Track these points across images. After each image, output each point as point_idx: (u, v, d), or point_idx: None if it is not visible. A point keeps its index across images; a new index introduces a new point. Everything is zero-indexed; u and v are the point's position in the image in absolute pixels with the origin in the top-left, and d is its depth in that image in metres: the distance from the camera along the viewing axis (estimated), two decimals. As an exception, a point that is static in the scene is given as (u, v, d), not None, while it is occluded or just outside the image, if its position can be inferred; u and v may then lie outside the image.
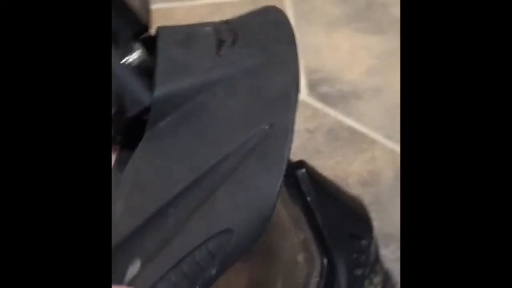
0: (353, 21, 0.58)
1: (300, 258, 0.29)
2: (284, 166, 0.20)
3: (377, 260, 0.32)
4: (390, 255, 0.40)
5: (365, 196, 0.43)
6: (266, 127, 0.21)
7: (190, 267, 0.20)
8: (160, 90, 0.21)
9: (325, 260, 0.28)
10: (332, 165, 0.45)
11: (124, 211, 0.21)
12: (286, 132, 0.21)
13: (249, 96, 0.22)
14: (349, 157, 0.46)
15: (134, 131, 0.23)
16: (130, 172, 0.22)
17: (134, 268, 0.21)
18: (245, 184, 0.20)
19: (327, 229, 0.28)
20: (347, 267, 0.28)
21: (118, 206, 0.21)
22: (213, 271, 0.20)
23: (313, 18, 0.58)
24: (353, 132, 0.48)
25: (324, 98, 0.51)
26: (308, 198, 0.28)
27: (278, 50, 0.23)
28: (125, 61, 0.22)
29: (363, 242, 0.30)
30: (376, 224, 0.42)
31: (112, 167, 0.23)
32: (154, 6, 0.66)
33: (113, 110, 0.21)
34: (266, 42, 0.23)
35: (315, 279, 0.28)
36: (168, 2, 0.60)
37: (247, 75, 0.22)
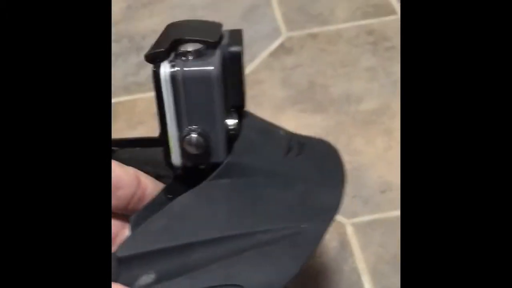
0: (297, 102, 0.64)
1: None
2: (303, 263, 0.24)
3: None
4: None
5: (313, 266, 0.47)
6: (305, 226, 0.25)
7: None
8: (234, 157, 0.25)
9: None
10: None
11: (160, 230, 0.24)
12: (317, 237, 0.25)
13: (301, 197, 0.26)
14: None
15: (191, 173, 0.26)
16: (181, 203, 0.25)
17: (147, 278, 0.23)
18: (271, 260, 0.24)
19: None
20: None
21: (158, 222, 0.24)
22: None
23: (261, 101, 0.64)
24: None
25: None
26: None
27: (331, 174, 0.28)
28: (226, 123, 0.26)
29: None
30: None
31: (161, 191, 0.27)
32: (117, 100, 0.71)
33: (197, 151, 0.25)
34: (324, 166, 0.28)
35: None
36: (131, 94, 0.65)
37: (304, 181, 0.26)
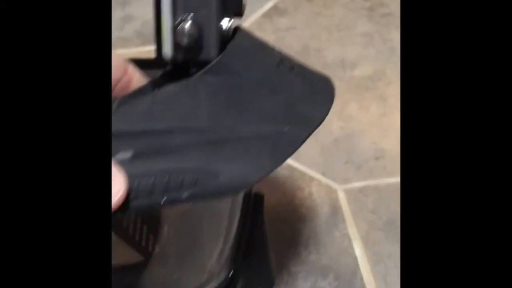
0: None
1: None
2: (280, 163, 0.25)
3: None
4: (328, 286, 0.42)
5: (304, 231, 0.46)
6: (286, 129, 0.25)
7: (172, 180, 0.23)
8: (225, 58, 0.25)
9: (230, 275, 0.31)
10: (273, 203, 0.47)
11: (142, 113, 0.24)
12: (297, 141, 0.25)
13: (286, 105, 0.26)
14: (288, 195, 0.48)
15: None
16: (166, 91, 0.25)
17: (124, 155, 0.23)
18: (250, 154, 0.24)
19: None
20: None
21: (142, 105, 0.24)
22: (185, 194, 0.23)
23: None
24: (291, 170, 0.51)
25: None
26: None
27: (319, 93, 0.27)
28: (220, 23, 0.25)
29: None
30: (313, 257, 0.44)
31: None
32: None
33: (189, 41, 0.24)
34: (313, 86, 0.27)
35: (214, 284, 0.30)
36: (115, 49, 0.62)
37: (291, 92, 0.26)
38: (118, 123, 0.23)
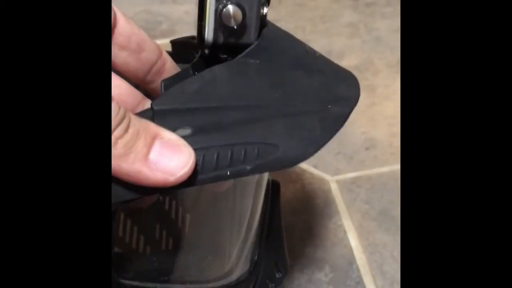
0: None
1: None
2: (332, 136, 0.26)
3: None
4: (324, 278, 0.42)
5: (298, 224, 0.45)
6: (329, 106, 0.26)
7: (235, 154, 0.23)
8: (264, 41, 0.26)
9: (255, 261, 0.32)
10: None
11: (194, 92, 0.24)
12: (343, 116, 0.26)
13: (323, 85, 0.27)
14: (281, 188, 0.48)
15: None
16: (212, 71, 0.25)
17: (183, 132, 0.23)
18: (304, 129, 0.25)
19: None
20: (260, 285, 0.32)
21: (191, 85, 0.25)
22: (249, 167, 0.23)
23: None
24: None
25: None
26: None
27: (346, 77, 0.29)
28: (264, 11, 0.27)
29: (279, 274, 0.34)
30: (308, 249, 0.44)
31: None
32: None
33: (233, 23, 0.25)
34: (339, 70, 0.29)
35: (242, 270, 0.31)
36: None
37: (324, 74, 0.27)
38: (171, 102, 0.24)
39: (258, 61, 0.26)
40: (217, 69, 0.25)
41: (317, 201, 0.47)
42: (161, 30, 0.66)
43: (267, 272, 0.33)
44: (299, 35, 0.68)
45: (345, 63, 0.61)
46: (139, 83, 0.30)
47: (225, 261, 0.32)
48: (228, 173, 0.23)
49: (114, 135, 0.21)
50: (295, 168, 0.50)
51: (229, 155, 0.23)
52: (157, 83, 0.28)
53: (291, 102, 0.25)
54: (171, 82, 0.26)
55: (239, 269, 0.31)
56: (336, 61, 0.63)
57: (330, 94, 0.27)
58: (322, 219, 0.46)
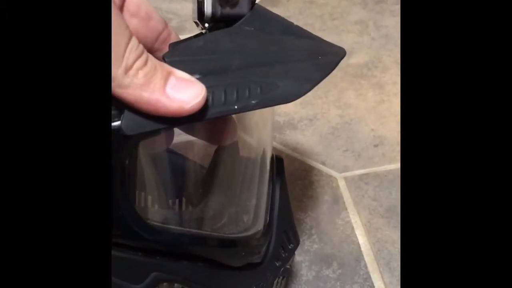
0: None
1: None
2: (326, 75, 0.28)
3: (288, 272, 0.38)
4: (332, 274, 0.42)
5: (306, 220, 0.45)
6: (320, 57, 0.29)
7: (241, 90, 0.26)
8: (256, 11, 0.29)
9: (267, 223, 0.35)
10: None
11: (199, 47, 0.27)
12: (334, 63, 0.29)
13: (312, 45, 0.30)
14: (288, 185, 0.48)
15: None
16: (213, 34, 0.28)
17: (193, 77, 0.26)
18: (299, 70, 0.28)
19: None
20: (273, 251, 0.35)
21: (195, 43, 0.28)
22: (254, 102, 0.26)
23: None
24: (291, 160, 0.51)
25: (262, 129, 0.53)
26: None
27: (332, 45, 0.31)
28: None
29: (291, 245, 0.36)
30: (317, 246, 0.44)
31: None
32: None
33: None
34: (325, 41, 0.31)
35: (258, 227, 0.34)
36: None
37: (311, 39, 0.30)
38: (179, 54, 0.27)
39: (252, 28, 0.29)
40: (217, 32, 0.29)
41: (325, 198, 0.47)
42: (171, 27, 0.66)
43: (279, 241, 0.35)
44: (308, 32, 0.68)
45: (354, 60, 0.61)
46: (147, 51, 0.31)
47: (243, 215, 0.35)
48: (236, 107, 0.26)
49: (136, 66, 0.24)
50: (303, 165, 0.50)
51: (235, 92, 0.26)
52: (164, 51, 0.29)
53: (286, 54, 0.28)
54: (178, 43, 0.29)
55: (254, 228, 0.34)
56: (345, 59, 0.63)
57: (319, 50, 0.30)
58: (330, 216, 0.46)
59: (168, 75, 0.25)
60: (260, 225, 0.34)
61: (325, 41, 0.31)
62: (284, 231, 0.36)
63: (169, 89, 0.24)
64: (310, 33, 0.31)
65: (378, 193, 0.48)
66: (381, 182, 0.49)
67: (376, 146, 0.52)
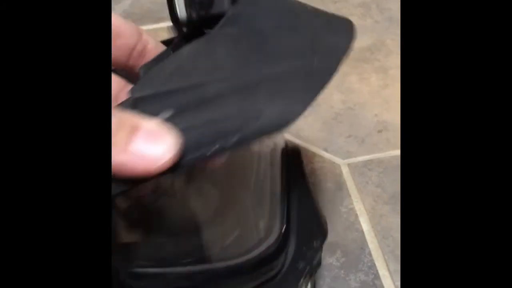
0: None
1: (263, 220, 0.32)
2: (318, 93, 0.24)
3: (315, 269, 0.35)
4: (336, 262, 0.41)
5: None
6: (316, 62, 0.24)
7: (217, 127, 0.23)
8: (239, 7, 0.26)
9: (283, 230, 0.31)
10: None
11: (172, 72, 0.24)
12: (330, 71, 0.24)
13: (309, 40, 0.25)
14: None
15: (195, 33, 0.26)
16: (190, 48, 0.25)
17: (165, 115, 0.23)
18: (287, 90, 0.23)
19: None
20: (294, 254, 0.32)
21: (169, 66, 0.24)
22: (233, 140, 0.22)
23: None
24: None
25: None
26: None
27: (339, 27, 0.27)
28: None
29: (315, 243, 0.33)
30: (320, 234, 0.43)
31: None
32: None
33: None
34: (332, 22, 0.28)
35: (269, 241, 0.30)
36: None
37: (310, 29, 0.26)
38: (150, 86, 0.23)
39: (236, 28, 0.25)
40: (194, 45, 0.25)
41: (328, 185, 0.46)
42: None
43: (300, 240, 0.32)
44: (309, 16, 0.66)
45: (357, 44, 0.59)
46: (123, 68, 0.29)
47: (250, 235, 0.31)
48: (212, 151, 0.22)
49: None
50: (306, 152, 0.49)
51: (211, 132, 0.23)
52: (140, 65, 0.27)
53: (273, 64, 0.24)
54: (149, 66, 0.26)
55: (265, 243, 0.31)
56: (348, 42, 0.62)
57: (317, 47, 0.25)
58: (334, 203, 0.45)
59: (134, 129, 0.22)
60: (274, 235, 0.31)
61: (330, 22, 0.27)
62: (308, 228, 0.33)
63: (136, 146, 0.22)
64: (310, 11, 0.27)
65: (382, 180, 0.47)
66: (385, 168, 0.48)
67: (380, 131, 0.51)
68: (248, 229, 0.32)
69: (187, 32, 0.27)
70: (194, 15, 0.26)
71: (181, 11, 0.26)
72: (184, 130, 0.22)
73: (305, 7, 0.28)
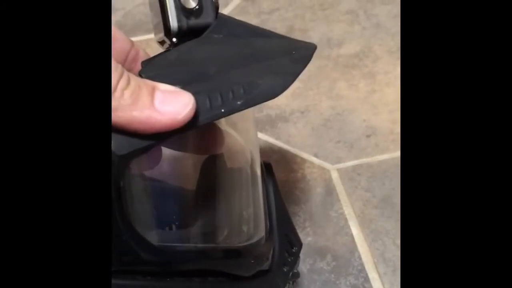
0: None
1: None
2: (304, 67, 0.29)
3: (296, 277, 0.38)
4: (326, 267, 0.42)
5: (299, 213, 0.45)
6: (294, 52, 0.30)
7: (224, 94, 0.26)
8: (223, 18, 0.30)
9: (268, 228, 0.35)
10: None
11: (174, 60, 0.27)
12: (309, 55, 0.30)
13: (284, 44, 0.31)
14: (281, 178, 0.48)
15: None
16: (186, 45, 0.28)
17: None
18: (276, 67, 0.28)
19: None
20: (279, 257, 0.35)
21: (170, 56, 0.28)
22: (239, 102, 0.26)
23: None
24: (283, 153, 0.51)
25: (253, 122, 0.53)
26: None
27: (304, 43, 0.32)
28: None
29: (295, 249, 0.36)
30: (310, 238, 0.44)
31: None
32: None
33: (191, 5, 0.29)
34: (296, 41, 0.32)
35: (260, 234, 0.34)
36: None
37: (282, 38, 0.31)
38: (156, 69, 0.27)
39: (221, 35, 0.29)
40: (188, 43, 0.29)
41: (318, 190, 0.47)
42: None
43: (282, 245, 0.35)
44: (298, 24, 0.68)
45: (345, 50, 0.60)
46: None
47: (243, 225, 0.34)
48: (223, 111, 0.26)
49: (119, 87, 0.23)
50: (295, 158, 0.50)
51: (219, 96, 0.26)
52: (135, 71, 0.29)
53: (261, 54, 0.29)
54: (150, 59, 0.29)
55: (257, 235, 0.34)
56: (336, 49, 0.63)
57: (291, 47, 0.30)
58: (323, 208, 0.46)
59: (152, 90, 0.25)
60: (262, 232, 0.34)
61: (294, 39, 0.32)
62: (285, 235, 0.36)
63: (157, 104, 0.24)
64: (278, 34, 0.32)
65: (371, 184, 0.47)
66: (374, 173, 0.48)
67: (368, 136, 0.52)
68: (235, 228, 0.34)
69: (177, 42, 0.29)
70: (184, 24, 0.29)
71: (174, 20, 0.29)
72: (193, 95, 0.25)
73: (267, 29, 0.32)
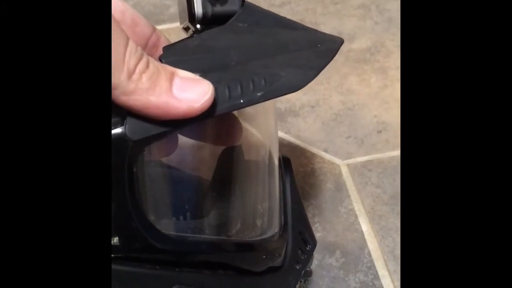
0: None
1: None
2: (328, 62, 0.28)
3: (308, 275, 0.37)
4: (335, 263, 0.41)
5: (308, 208, 0.45)
6: (319, 46, 0.29)
7: (245, 84, 0.26)
8: (248, 6, 0.29)
9: (282, 224, 0.34)
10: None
11: (196, 46, 0.27)
12: (334, 49, 0.29)
13: (309, 35, 0.30)
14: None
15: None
16: (209, 32, 0.28)
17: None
18: (301, 59, 0.27)
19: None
20: (291, 254, 0.34)
21: (191, 42, 0.27)
22: (259, 94, 0.26)
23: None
24: (293, 148, 0.50)
25: (263, 116, 0.53)
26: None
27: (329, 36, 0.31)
28: None
29: (309, 246, 0.35)
30: (320, 234, 0.43)
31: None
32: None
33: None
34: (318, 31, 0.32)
35: (274, 229, 0.33)
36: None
37: (305, 29, 0.30)
38: (177, 55, 0.26)
39: (246, 23, 0.29)
40: (212, 30, 0.28)
41: (328, 185, 0.47)
42: (169, 14, 0.65)
43: (296, 243, 0.35)
44: (309, 17, 0.67)
45: (357, 45, 0.60)
46: None
47: (257, 218, 0.34)
48: (242, 101, 0.25)
49: (138, 70, 0.23)
50: (305, 152, 0.49)
51: (239, 86, 0.25)
52: (155, 57, 0.28)
53: (285, 45, 0.28)
54: (172, 45, 0.28)
55: (270, 230, 0.33)
56: (347, 43, 0.62)
57: (317, 39, 0.30)
58: (333, 203, 0.45)
59: (172, 75, 0.24)
60: (276, 227, 0.33)
61: (320, 31, 0.31)
62: (299, 232, 0.35)
63: (175, 90, 0.24)
64: (304, 25, 0.31)
65: (382, 180, 0.47)
66: (384, 169, 0.48)
67: (379, 132, 0.51)
68: (250, 222, 0.34)
69: (201, 29, 0.29)
70: (210, 11, 0.28)
71: (199, 6, 0.28)
72: (213, 84, 0.25)
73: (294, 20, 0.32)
